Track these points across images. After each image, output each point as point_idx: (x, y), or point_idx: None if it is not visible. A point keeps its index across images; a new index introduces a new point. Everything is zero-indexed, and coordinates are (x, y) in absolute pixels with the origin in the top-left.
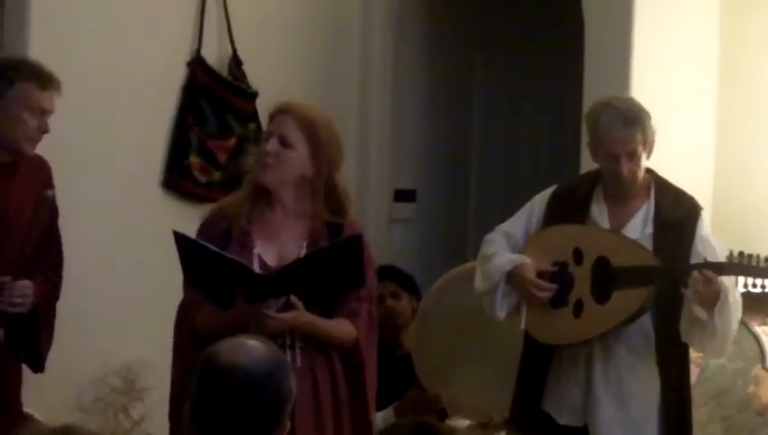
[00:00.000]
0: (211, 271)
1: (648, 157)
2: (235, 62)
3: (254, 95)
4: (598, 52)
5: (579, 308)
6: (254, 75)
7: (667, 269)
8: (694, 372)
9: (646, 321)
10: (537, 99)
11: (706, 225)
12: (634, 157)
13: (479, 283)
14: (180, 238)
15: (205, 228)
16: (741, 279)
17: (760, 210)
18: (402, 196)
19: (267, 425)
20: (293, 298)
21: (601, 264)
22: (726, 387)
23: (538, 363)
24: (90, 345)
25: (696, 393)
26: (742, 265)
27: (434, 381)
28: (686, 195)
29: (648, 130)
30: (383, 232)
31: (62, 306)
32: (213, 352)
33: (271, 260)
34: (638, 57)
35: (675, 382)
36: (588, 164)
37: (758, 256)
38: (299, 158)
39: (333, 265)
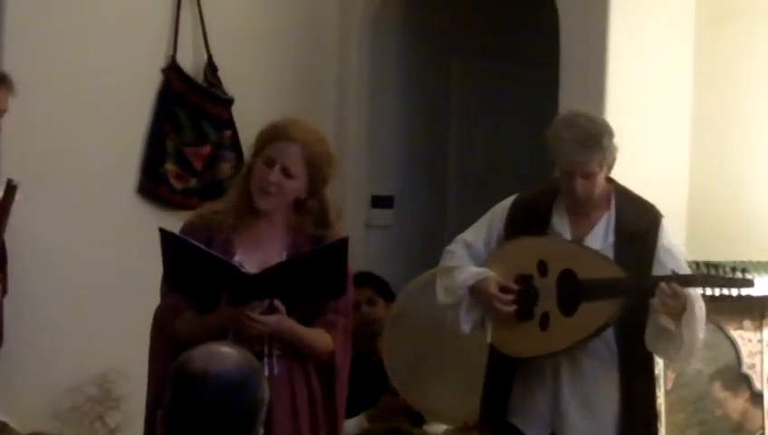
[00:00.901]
0: (196, 271)
1: (608, 173)
2: (211, 68)
3: (229, 102)
4: (573, 57)
5: (545, 321)
6: (230, 82)
7: (635, 281)
8: (670, 378)
9: (609, 332)
10: (515, 104)
11: (668, 233)
12: (589, 177)
13: (442, 297)
14: (167, 236)
15: (185, 234)
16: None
17: (735, 216)
18: (379, 202)
19: (240, 432)
20: (277, 302)
21: (567, 276)
22: (703, 392)
23: (503, 375)
24: (65, 354)
25: (673, 399)
26: (707, 276)
27: (406, 385)
28: (647, 203)
29: (607, 150)
30: (360, 239)
31: (36, 314)
32: (186, 360)
33: (251, 268)
34: (613, 64)
35: (638, 394)
36: None
37: (723, 266)
38: (299, 186)
39: (319, 268)
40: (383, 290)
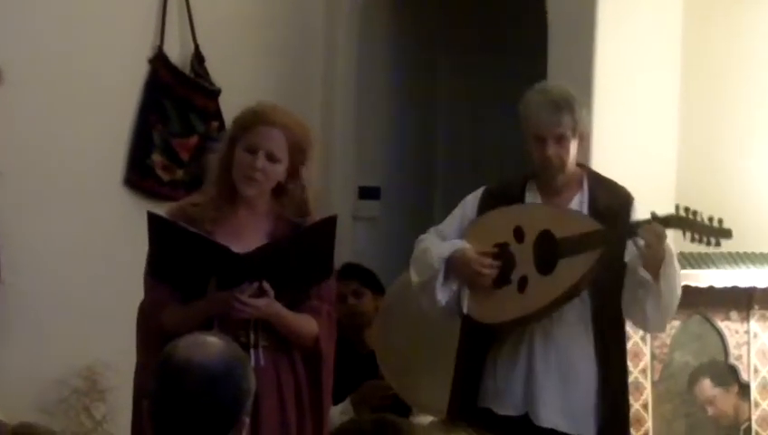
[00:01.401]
0: (185, 255)
1: (580, 146)
2: (198, 59)
3: (216, 93)
4: (561, 51)
5: (523, 284)
6: (217, 72)
7: (610, 231)
8: (657, 369)
9: (585, 306)
10: (502, 97)
11: (640, 213)
12: (561, 141)
13: (415, 276)
14: (156, 219)
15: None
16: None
17: (723, 207)
18: (367, 193)
19: (225, 422)
20: (266, 284)
21: (545, 237)
22: (690, 383)
23: (474, 361)
24: (52, 346)
25: (660, 390)
26: (687, 218)
27: (397, 377)
28: (619, 186)
29: (578, 117)
30: (347, 230)
31: (22, 307)
32: (171, 350)
33: None
34: (600, 56)
35: (613, 372)
36: None
37: (701, 214)
38: (282, 170)
39: (309, 247)
40: (370, 282)
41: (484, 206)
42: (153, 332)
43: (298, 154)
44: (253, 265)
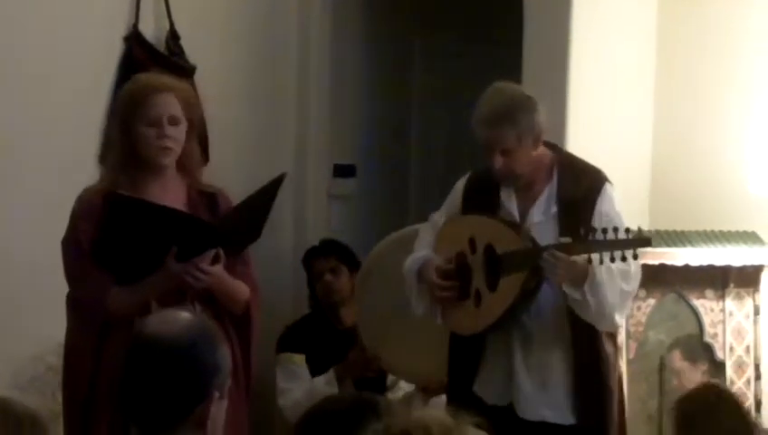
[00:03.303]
0: (142, 230)
1: (536, 146)
2: (173, 36)
3: (191, 70)
4: (536, 35)
5: (478, 298)
6: (192, 50)
7: (531, 251)
8: (632, 348)
9: (561, 302)
10: (476, 78)
11: (611, 198)
12: (507, 153)
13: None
14: (119, 198)
15: (85, 211)
16: None
17: (698, 187)
18: (342, 171)
19: (191, 396)
20: (219, 251)
21: (489, 251)
22: (665, 362)
23: (466, 349)
24: (26, 324)
25: (635, 368)
26: (588, 242)
27: (375, 342)
28: (589, 170)
29: (522, 125)
30: (322, 208)
31: None
32: (141, 326)
33: None
34: (576, 41)
35: (589, 366)
36: None
37: (614, 229)
38: (183, 131)
39: (260, 208)
40: (346, 258)
41: (467, 197)
42: (98, 318)
43: (190, 109)
44: (223, 232)
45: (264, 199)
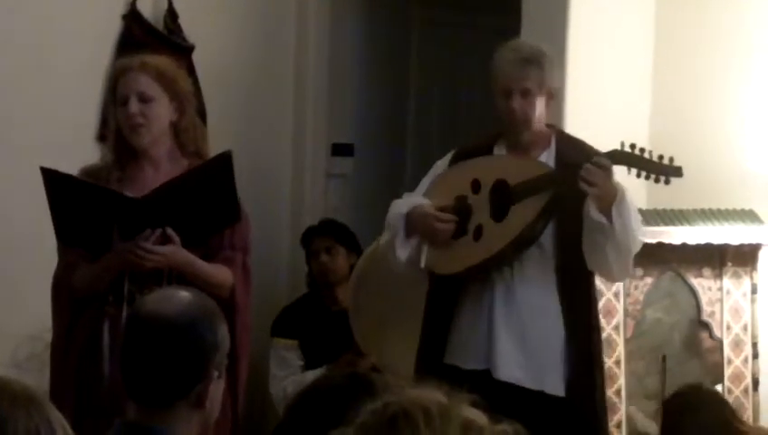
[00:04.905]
0: (84, 208)
1: (548, 105)
2: (171, 15)
3: (190, 49)
4: (535, 7)
5: (479, 232)
6: (191, 29)
7: (557, 171)
8: (630, 326)
9: (549, 262)
10: (475, 53)
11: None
12: (528, 95)
13: (384, 236)
14: (48, 173)
15: None
16: None
17: (696, 165)
18: (340, 150)
19: (189, 374)
20: (170, 230)
21: (499, 186)
22: (663, 341)
23: (441, 318)
24: (25, 302)
25: (633, 347)
26: (632, 154)
27: (369, 343)
28: (588, 145)
29: (546, 73)
30: (320, 187)
31: None
32: (140, 304)
33: None
34: (574, 11)
35: (579, 325)
36: None
37: (650, 151)
38: (164, 107)
39: (206, 186)
40: (343, 238)
41: (457, 162)
42: (64, 296)
43: (172, 84)
44: (149, 207)
45: (212, 175)
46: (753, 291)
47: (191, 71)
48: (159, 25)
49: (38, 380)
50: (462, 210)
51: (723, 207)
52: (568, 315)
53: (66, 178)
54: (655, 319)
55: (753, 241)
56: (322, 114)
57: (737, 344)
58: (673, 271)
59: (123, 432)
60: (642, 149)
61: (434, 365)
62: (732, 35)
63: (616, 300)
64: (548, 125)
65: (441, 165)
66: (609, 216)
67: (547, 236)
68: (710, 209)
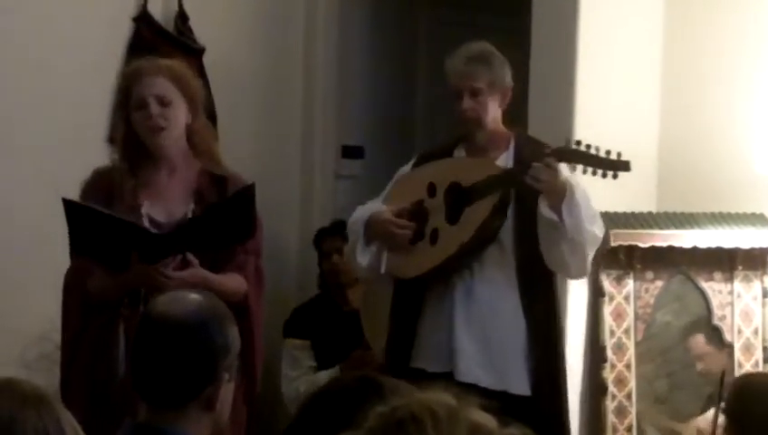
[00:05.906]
0: (104, 235)
1: (501, 105)
2: (182, 17)
3: (200, 51)
4: (545, 9)
5: (435, 236)
6: (201, 31)
7: (508, 171)
8: (640, 329)
9: (509, 261)
10: None
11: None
12: (478, 95)
13: (349, 245)
14: (71, 205)
15: (85, 192)
16: None
17: (706, 169)
18: (349, 152)
19: (200, 375)
20: (190, 256)
21: (453, 188)
22: (672, 344)
23: (407, 321)
24: (33, 302)
25: (642, 349)
26: (576, 150)
27: (380, 344)
28: (546, 144)
29: (496, 72)
30: (330, 189)
31: (4, 263)
32: (151, 305)
33: (160, 218)
34: (585, 13)
35: (541, 323)
36: (535, 122)
37: (597, 147)
38: (181, 109)
39: (228, 219)
40: None
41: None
42: (77, 297)
43: (187, 87)
44: (171, 243)
45: (235, 209)
46: (764, 294)
47: (201, 72)
48: (170, 27)
49: (48, 380)
50: (419, 214)
51: (733, 211)
52: (529, 314)
53: (87, 209)
54: (665, 322)
55: (764, 245)
56: (331, 115)
57: (748, 349)
58: (683, 274)
59: (133, 433)
60: (588, 145)
61: (401, 369)
62: (741, 37)
63: (626, 303)
64: (511, 127)
65: (405, 170)
66: (559, 213)
67: (507, 236)
68: (720, 213)
